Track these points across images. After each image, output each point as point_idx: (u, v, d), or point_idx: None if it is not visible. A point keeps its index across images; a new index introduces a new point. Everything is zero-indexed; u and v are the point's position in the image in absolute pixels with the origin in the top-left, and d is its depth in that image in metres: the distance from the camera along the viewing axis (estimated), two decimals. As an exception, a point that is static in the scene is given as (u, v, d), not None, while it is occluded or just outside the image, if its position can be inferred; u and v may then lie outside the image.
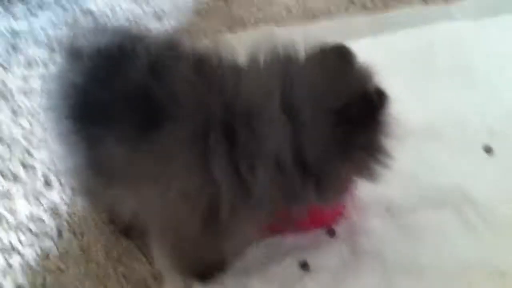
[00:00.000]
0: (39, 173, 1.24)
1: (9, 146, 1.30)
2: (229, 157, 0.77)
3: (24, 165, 1.25)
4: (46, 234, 1.13)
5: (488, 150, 1.21)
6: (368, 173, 0.87)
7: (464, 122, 1.27)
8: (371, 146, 0.83)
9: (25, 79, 1.48)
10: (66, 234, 1.13)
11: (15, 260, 1.08)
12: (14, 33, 1.66)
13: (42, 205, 1.18)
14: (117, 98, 0.80)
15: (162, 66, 0.80)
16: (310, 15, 1.65)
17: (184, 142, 0.77)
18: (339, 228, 1.08)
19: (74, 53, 0.90)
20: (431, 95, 1.34)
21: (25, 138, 1.32)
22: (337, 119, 0.77)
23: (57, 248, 1.10)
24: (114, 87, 0.80)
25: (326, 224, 1.08)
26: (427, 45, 1.48)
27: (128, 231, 1.10)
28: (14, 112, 1.38)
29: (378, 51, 1.32)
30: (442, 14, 1.58)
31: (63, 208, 1.17)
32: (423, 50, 1.46)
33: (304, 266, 1.02)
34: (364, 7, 1.66)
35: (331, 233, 1.08)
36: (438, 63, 1.43)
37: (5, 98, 1.43)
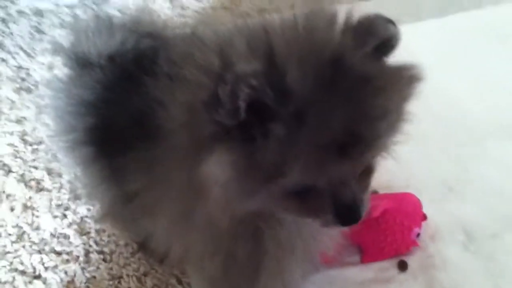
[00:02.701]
0: (65, 181, 1.10)
1: (33, 148, 1.16)
2: None
3: (48, 172, 1.12)
4: (71, 255, 0.99)
5: None
6: None
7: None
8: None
9: (50, 68, 1.34)
10: (93, 256, 0.99)
11: (37, 287, 0.95)
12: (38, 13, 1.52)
13: (68, 219, 1.04)
14: (134, 119, 0.66)
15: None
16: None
17: (177, 164, 0.61)
18: (411, 260, 0.92)
19: (80, 61, 0.75)
20: (502, 84, 1.15)
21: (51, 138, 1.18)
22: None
23: (83, 273, 0.97)
24: (130, 106, 0.66)
25: (396, 253, 0.93)
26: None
27: (163, 257, 0.94)
28: (38, 108, 1.24)
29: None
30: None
31: (90, 224, 1.04)
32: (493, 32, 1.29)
33: (371, 308, 0.86)
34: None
35: (403, 266, 0.92)
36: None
37: (29, 91, 1.29)
